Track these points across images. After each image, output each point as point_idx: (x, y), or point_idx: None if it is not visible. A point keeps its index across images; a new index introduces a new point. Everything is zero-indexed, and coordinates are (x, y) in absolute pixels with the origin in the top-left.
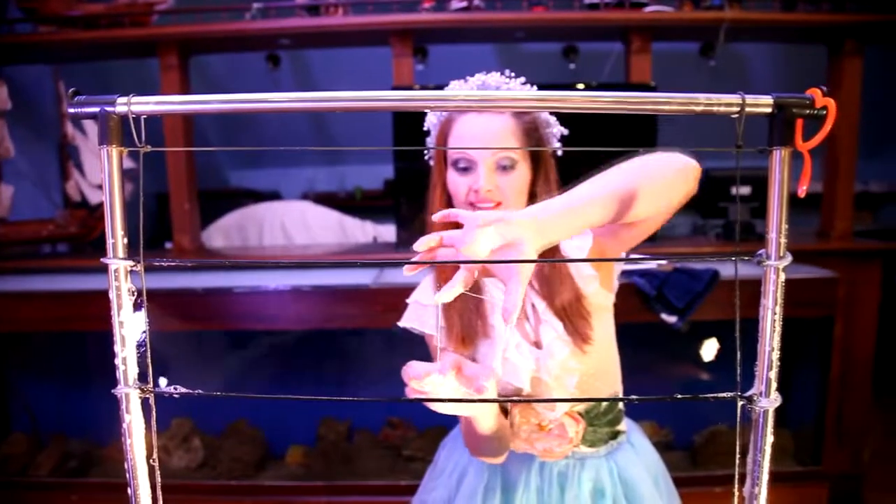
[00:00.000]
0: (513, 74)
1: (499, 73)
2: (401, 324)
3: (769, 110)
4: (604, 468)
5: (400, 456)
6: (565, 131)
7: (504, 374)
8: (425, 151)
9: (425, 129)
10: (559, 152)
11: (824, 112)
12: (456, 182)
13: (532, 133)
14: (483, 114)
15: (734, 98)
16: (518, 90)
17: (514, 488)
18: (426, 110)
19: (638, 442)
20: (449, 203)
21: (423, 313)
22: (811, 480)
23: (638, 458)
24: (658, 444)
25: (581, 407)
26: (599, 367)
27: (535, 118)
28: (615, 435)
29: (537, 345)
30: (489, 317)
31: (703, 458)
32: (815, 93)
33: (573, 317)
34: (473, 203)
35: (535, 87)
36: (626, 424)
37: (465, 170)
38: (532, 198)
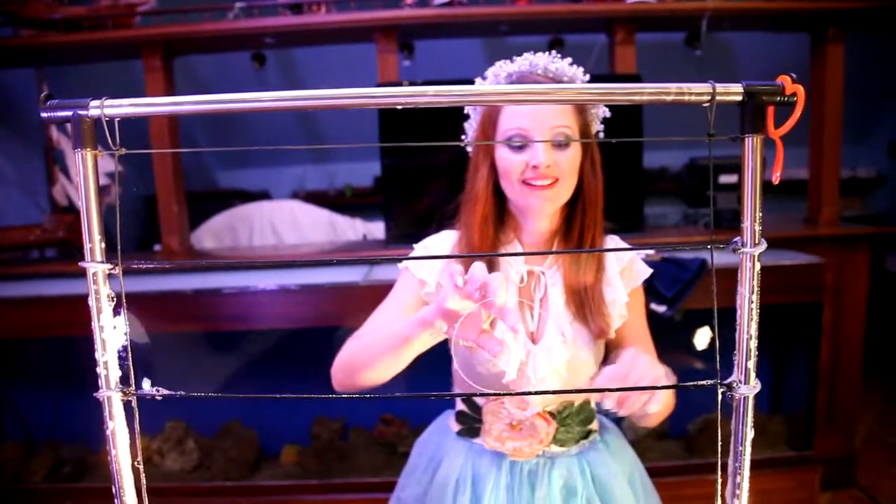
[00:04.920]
0: (559, 55)
1: (547, 54)
2: (401, 266)
3: (739, 98)
4: (575, 467)
5: (395, 453)
6: (608, 113)
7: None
8: (464, 136)
9: (465, 112)
10: (601, 134)
11: (794, 99)
12: (510, 160)
13: (583, 112)
14: None
15: (705, 87)
16: (566, 69)
17: (484, 485)
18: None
19: (612, 441)
20: (494, 184)
21: (427, 263)
22: (804, 465)
23: (611, 456)
24: (652, 433)
25: (553, 407)
26: (583, 382)
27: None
28: (587, 434)
29: (533, 338)
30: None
31: (697, 447)
32: (785, 80)
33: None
34: (528, 180)
35: (582, 69)
36: (598, 423)
37: (520, 147)
38: (582, 180)
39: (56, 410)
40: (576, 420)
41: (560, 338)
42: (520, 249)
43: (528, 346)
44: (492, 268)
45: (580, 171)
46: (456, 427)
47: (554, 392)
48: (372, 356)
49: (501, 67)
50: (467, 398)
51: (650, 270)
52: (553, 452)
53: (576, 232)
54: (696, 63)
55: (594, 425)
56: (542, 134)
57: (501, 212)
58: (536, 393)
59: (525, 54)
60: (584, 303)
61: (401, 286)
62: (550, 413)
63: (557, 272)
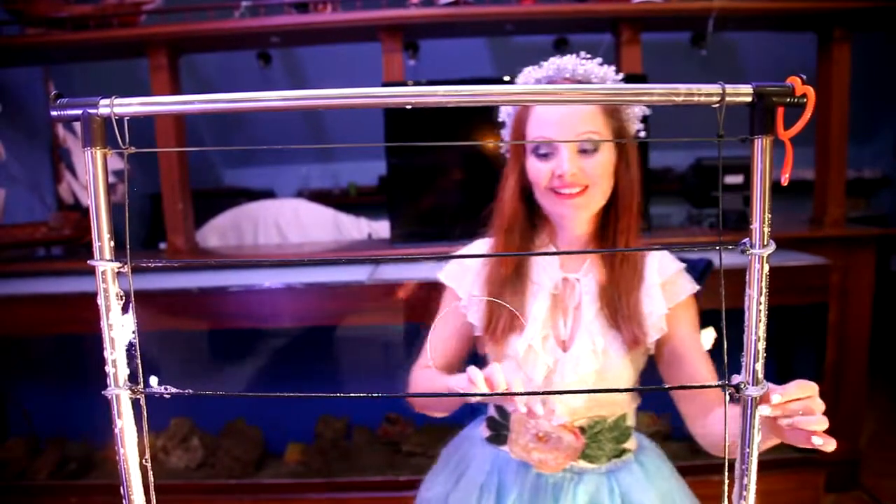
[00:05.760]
0: (589, 56)
1: (575, 56)
2: (440, 275)
3: (749, 99)
4: (603, 485)
5: (399, 452)
6: (648, 111)
7: (523, 361)
8: (501, 145)
9: (500, 119)
10: (641, 133)
11: (804, 100)
12: (537, 169)
13: (615, 113)
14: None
15: (714, 88)
16: (594, 70)
17: (508, 494)
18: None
19: (649, 462)
20: (522, 193)
21: (463, 277)
22: (808, 467)
23: (646, 478)
24: (657, 433)
25: (583, 422)
26: (615, 397)
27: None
28: (620, 452)
29: (563, 346)
30: (528, 307)
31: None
32: (795, 81)
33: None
34: (556, 189)
35: (613, 68)
36: (635, 443)
37: (546, 155)
38: (617, 183)
39: (61, 407)
40: (608, 436)
41: (590, 346)
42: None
43: (556, 354)
44: (523, 272)
45: (615, 173)
46: (486, 433)
47: (576, 392)
48: (422, 405)
49: (530, 74)
50: (498, 405)
51: (697, 287)
52: (581, 468)
53: (609, 236)
54: (701, 63)
55: (630, 444)
56: (565, 140)
57: (534, 217)
58: (555, 393)
59: (552, 59)
60: (619, 310)
61: (444, 304)
62: (581, 428)
63: (593, 279)
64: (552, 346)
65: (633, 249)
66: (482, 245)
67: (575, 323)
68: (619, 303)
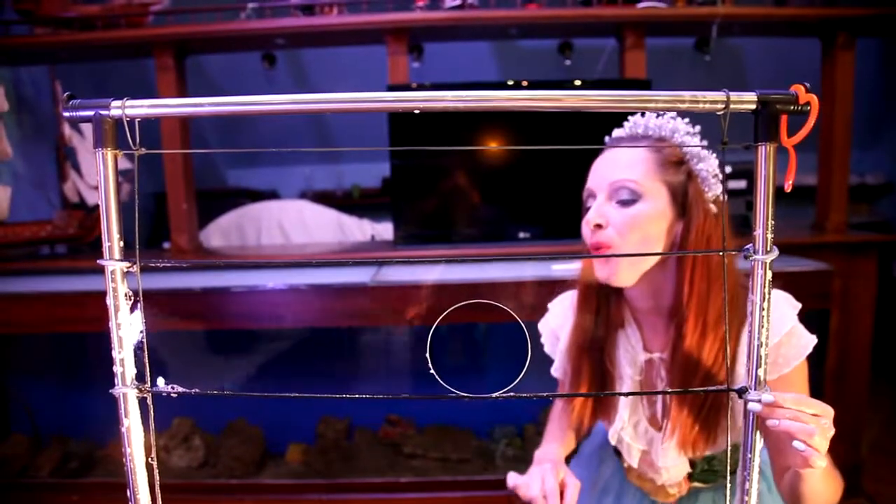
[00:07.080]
0: (674, 115)
1: (656, 115)
2: (539, 326)
3: (753, 107)
4: (722, 500)
5: (400, 453)
6: (728, 169)
7: (619, 447)
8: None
9: None
10: (720, 195)
11: (808, 108)
12: (583, 226)
13: (677, 166)
14: (619, 147)
15: (719, 95)
16: (680, 128)
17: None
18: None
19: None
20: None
21: (553, 339)
22: None
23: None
24: None
25: (692, 455)
26: (718, 442)
27: (679, 150)
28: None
29: (658, 424)
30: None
31: None
32: (799, 89)
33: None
34: (591, 244)
35: (698, 134)
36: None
37: (589, 208)
38: (681, 247)
39: (64, 405)
40: (722, 462)
41: (678, 438)
42: (636, 332)
43: (650, 435)
44: (607, 355)
45: (673, 234)
46: (613, 439)
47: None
48: None
49: (616, 132)
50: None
51: (812, 343)
52: (697, 487)
53: (681, 313)
54: (705, 68)
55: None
56: (603, 191)
57: (611, 288)
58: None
59: (630, 118)
60: (703, 400)
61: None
62: (692, 461)
63: (675, 357)
64: (644, 430)
65: (626, 255)
66: (568, 296)
67: (664, 406)
68: (702, 383)
